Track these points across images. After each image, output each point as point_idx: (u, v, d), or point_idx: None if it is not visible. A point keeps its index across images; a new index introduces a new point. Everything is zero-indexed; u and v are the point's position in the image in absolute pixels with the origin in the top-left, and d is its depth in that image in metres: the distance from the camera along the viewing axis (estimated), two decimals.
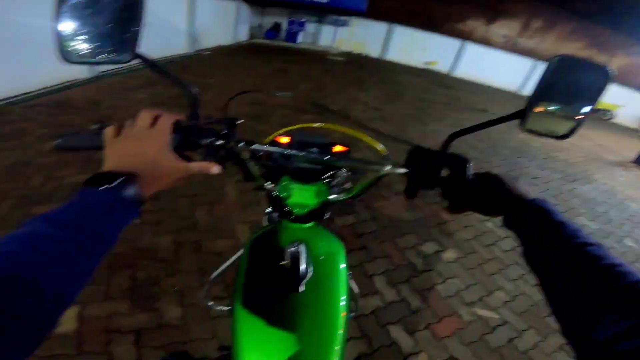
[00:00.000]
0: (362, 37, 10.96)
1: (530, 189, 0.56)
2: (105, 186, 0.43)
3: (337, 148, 0.90)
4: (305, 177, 0.83)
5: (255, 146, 0.68)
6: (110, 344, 1.46)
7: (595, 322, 0.36)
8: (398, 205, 2.85)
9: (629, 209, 4.14)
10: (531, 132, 0.55)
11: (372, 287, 2.00)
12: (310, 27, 10.69)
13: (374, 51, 11.20)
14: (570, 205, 3.79)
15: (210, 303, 1.11)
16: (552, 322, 2.02)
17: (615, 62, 12.97)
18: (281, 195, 0.79)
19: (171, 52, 6.10)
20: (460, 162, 0.60)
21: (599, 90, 0.50)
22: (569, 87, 0.51)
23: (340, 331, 0.69)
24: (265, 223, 1.21)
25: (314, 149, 0.84)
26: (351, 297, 1.05)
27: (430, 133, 5.01)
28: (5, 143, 2.74)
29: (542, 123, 0.54)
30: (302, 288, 0.70)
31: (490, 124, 0.57)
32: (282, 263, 0.71)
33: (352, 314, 1.07)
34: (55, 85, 4.04)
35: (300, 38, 10.24)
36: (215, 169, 0.58)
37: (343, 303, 0.73)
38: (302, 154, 0.72)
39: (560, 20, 12.38)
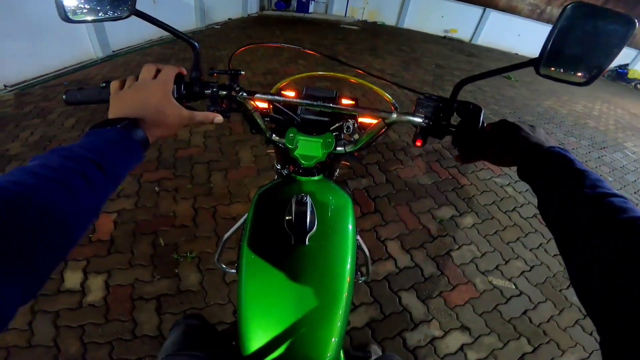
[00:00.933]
0: (376, 5, 10.40)
1: (550, 138, 0.52)
2: (109, 125, 0.45)
3: (344, 101, 0.88)
4: (312, 128, 0.81)
5: (258, 95, 0.67)
6: (134, 311, 1.54)
7: (618, 287, 0.32)
8: (414, 168, 2.80)
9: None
10: (548, 77, 0.51)
11: (385, 252, 2.00)
12: None
13: (389, 19, 10.64)
14: (598, 173, 3.59)
15: (224, 266, 1.14)
16: (570, 295, 1.98)
17: None
18: (288, 147, 0.78)
19: (182, 27, 6.06)
20: (472, 109, 0.57)
21: (621, 41, 0.46)
22: (587, 37, 0.47)
23: (345, 292, 0.68)
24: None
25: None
26: (361, 261, 1.06)
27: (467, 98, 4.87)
28: (29, 121, 2.85)
29: (558, 70, 0.51)
30: (307, 241, 0.69)
31: (503, 70, 0.53)
32: (288, 217, 0.70)
33: (363, 279, 1.07)
34: (72, 65, 4.14)
35: (311, 8, 9.83)
36: (217, 118, 0.60)
37: (349, 265, 0.71)
38: (306, 102, 0.70)
39: None
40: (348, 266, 0.71)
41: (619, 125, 5.57)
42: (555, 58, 0.49)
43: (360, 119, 0.85)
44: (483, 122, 0.57)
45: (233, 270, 1.21)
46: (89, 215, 0.38)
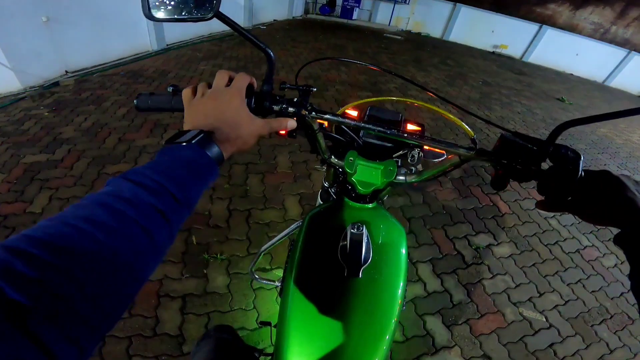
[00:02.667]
0: (422, 15, 10.20)
1: None
2: (185, 141, 0.43)
3: (410, 127, 0.84)
4: (374, 154, 0.78)
5: (328, 116, 0.63)
6: (158, 308, 1.55)
7: None
8: (453, 191, 2.69)
9: None
10: None
11: (415, 274, 1.94)
12: (367, 3, 10.16)
13: (435, 31, 10.38)
14: None
15: (257, 276, 1.12)
16: (600, 331, 1.85)
17: None
18: (346, 171, 0.75)
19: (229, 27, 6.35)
20: (569, 156, 0.51)
21: None
22: None
23: (394, 320, 0.65)
24: (319, 198, 1.16)
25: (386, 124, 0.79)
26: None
27: (497, 120, 4.59)
28: (85, 107, 3.04)
29: None
30: (361, 274, 0.66)
31: (617, 115, 0.46)
32: (342, 244, 0.67)
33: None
34: (129, 56, 4.39)
35: (355, 15, 9.83)
36: (291, 123, 0.56)
37: (400, 292, 0.69)
38: (375, 127, 0.65)
39: None
40: (399, 292, 0.68)
41: None
42: None
43: (427, 147, 0.79)
44: (582, 173, 0.50)
45: (266, 281, 1.19)
46: (162, 254, 0.34)
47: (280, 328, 0.65)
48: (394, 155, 0.80)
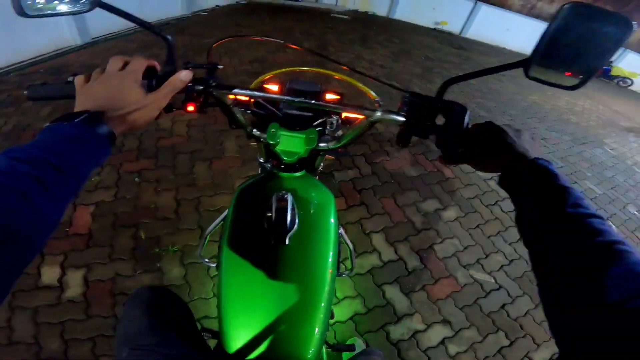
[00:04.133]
0: None
1: (535, 144, 0.51)
2: (69, 122, 0.41)
3: (329, 96, 0.86)
4: (295, 124, 0.80)
5: (236, 90, 0.65)
6: (115, 307, 1.51)
7: (583, 311, 0.32)
8: (401, 161, 2.81)
9: (637, 175, 4.03)
10: (536, 80, 0.50)
11: (369, 245, 2.01)
12: None
13: (381, 10, 10.49)
14: (577, 168, 3.70)
15: (207, 260, 1.13)
16: None
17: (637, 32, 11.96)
18: (269, 143, 0.76)
19: (166, 14, 5.86)
20: (456, 109, 0.55)
21: (616, 43, 0.44)
22: (581, 38, 0.45)
23: (326, 288, 0.68)
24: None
25: (305, 95, 0.80)
26: (345, 255, 1.05)
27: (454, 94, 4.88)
28: (3, 110, 2.72)
29: (549, 73, 0.49)
30: (288, 240, 0.68)
31: (491, 71, 0.51)
32: (268, 214, 0.69)
33: (347, 273, 1.07)
34: (49, 52, 3.95)
35: None
36: (183, 74, 0.55)
37: (330, 260, 0.71)
38: (287, 98, 0.68)
39: None
40: (330, 260, 0.71)
41: (600, 121, 5.72)
42: (547, 60, 0.48)
43: (344, 115, 0.84)
44: (467, 124, 0.55)
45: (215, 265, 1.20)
46: (49, 223, 0.34)
47: (219, 305, 0.67)
48: (314, 124, 0.82)
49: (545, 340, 1.76)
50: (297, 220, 0.71)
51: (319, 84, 0.88)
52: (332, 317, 0.91)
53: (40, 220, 0.33)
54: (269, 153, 0.86)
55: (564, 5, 0.44)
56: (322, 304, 0.66)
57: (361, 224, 2.12)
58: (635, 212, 3.27)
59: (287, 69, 0.99)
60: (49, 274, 1.59)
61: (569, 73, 0.48)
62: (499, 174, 0.51)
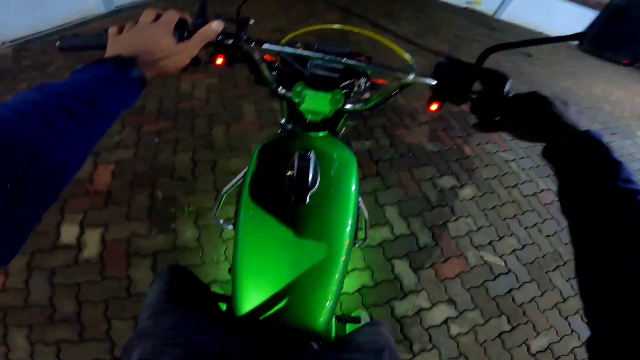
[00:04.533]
0: None
1: (582, 118, 0.48)
2: (102, 64, 0.43)
3: (360, 56, 0.85)
4: (321, 84, 0.78)
5: (266, 46, 0.64)
6: (130, 268, 1.55)
7: (628, 290, 0.30)
8: (420, 135, 2.75)
9: None
10: (592, 52, 0.52)
11: (382, 217, 2.01)
12: None
13: None
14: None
15: (222, 221, 1.13)
16: (554, 278, 2.00)
17: None
18: (294, 101, 0.75)
19: None
20: (497, 77, 0.54)
21: None
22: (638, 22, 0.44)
23: (342, 257, 0.67)
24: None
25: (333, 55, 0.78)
26: (360, 225, 1.04)
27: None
28: (28, 74, 2.77)
29: (605, 47, 0.49)
30: (308, 199, 0.67)
31: (540, 41, 0.49)
32: (290, 172, 0.68)
33: (359, 243, 1.06)
34: (74, 21, 3.97)
35: None
36: (216, 25, 0.57)
37: (349, 229, 0.69)
38: (317, 55, 0.67)
39: None
40: (348, 229, 0.69)
41: (634, 112, 5.39)
42: (604, 36, 0.47)
43: (373, 79, 0.83)
44: (508, 92, 0.53)
45: (231, 227, 1.20)
46: (77, 157, 0.34)
47: (234, 269, 0.65)
48: (341, 85, 0.81)
49: (546, 329, 1.75)
50: (318, 180, 0.70)
51: (348, 47, 0.86)
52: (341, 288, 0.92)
53: (68, 151, 0.33)
54: (293, 113, 0.85)
55: None
56: (337, 275, 0.65)
57: (376, 196, 2.11)
58: None
59: (318, 27, 0.95)
60: (69, 233, 1.64)
61: (624, 53, 0.47)
62: (541, 144, 0.49)
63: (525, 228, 2.24)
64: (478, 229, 2.15)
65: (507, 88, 0.54)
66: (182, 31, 0.54)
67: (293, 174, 0.67)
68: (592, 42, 0.47)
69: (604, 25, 0.46)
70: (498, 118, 0.54)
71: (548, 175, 2.79)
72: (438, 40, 5.78)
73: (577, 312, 1.84)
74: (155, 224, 1.69)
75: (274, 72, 0.80)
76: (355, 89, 0.81)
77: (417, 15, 7.26)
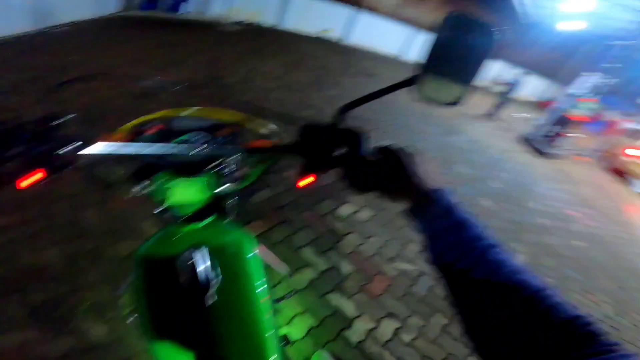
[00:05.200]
0: (257, 5, 10.35)
1: (434, 171, 0.51)
2: None
3: (224, 130, 0.71)
4: (189, 168, 0.64)
5: (90, 149, 0.48)
6: None
7: (494, 340, 0.35)
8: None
9: (490, 154, 5.25)
10: (426, 99, 0.51)
11: (302, 260, 2.10)
12: None
13: (270, 19, 10.78)
14: (449, 155, 4.60)
15: (132, 319, 1.02)
16: None
17: None
18: (160, 197, 0.64)
19: (10, 30, 4.82)
20: (354, 135, 0.52)
21: (485, 53, 0.46)
22: (460, 50, 0.47)
23: (266, 316, 0.65)
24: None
25: (193, 135, 0.67)
26: (278, 277, 1.00)
27: (331, 99, 5.31)
28: None
29: (435, 89, 0.51)
30: (210, 300, 0.60)
31: (384, 92, 0.52)
32: (182, 278, 0.61)
33: (288, 295, 1.03)
34: None
35: (185, 8, 9.14)
36: None
37: (260, 289, 0.67)
38: (164, 150, 0.55)
39: None
40: (259, 290, 0.67)
41: (455, 113, 7.07)
42: (434, 73, 0.49)
43: (251, 144, 0.70)
44: (367, 150, 0.52)
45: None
46: None
47: None
48: (211, 165, 0.66)
49: None
50: (216, 276, 0.63)
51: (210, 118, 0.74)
52: (288, 342, 0.90)
53: None
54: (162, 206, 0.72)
55: (443, 18, 0.46)
56: (267, 335, 0.64)
57: (289, 241, 2.18)
58: (500, 185, 4.26)
59: (161, 113, 0.74)
60: None
61: (456, 85, 0.50)
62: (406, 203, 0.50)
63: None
64: (385, 244, 2.44)
65: (365, 146, 0.52)
66: None
67: (184, 280, 0.60)
68: (425, 83, 0.49)
69: (430, 63, 0.48)
70: (366, 179, 0.52)
71: None
72: (303, 73, 6.39)
73: None
74: (47, 328, 1.43)
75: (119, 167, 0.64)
76: (229, 167, 0.67)
77: (281, 50, 7.91)
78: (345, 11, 11.91)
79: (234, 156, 0.68)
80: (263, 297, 0.67)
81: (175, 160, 0.65)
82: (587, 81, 7.57)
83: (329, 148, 0.53)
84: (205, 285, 0.60)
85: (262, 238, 2.09)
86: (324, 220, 2.48)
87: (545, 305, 0.33)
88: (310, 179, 0.57)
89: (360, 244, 2.38)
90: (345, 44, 12.11)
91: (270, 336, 0.64)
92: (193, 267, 0.60)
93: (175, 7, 8.82)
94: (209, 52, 6.13)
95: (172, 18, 8.49)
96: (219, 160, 0.66)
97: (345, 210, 2.64)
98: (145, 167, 0.64)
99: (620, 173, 8.44)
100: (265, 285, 0.70)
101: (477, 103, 9.02)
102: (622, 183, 8.15)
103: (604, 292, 3.19)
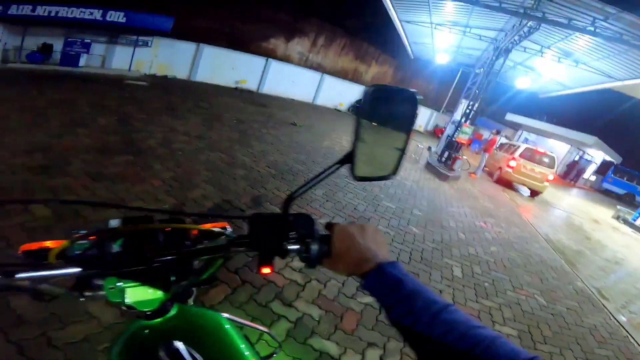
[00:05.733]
0: (167, 58, 9.97)
1: (380, 243, 0.54)
2: None
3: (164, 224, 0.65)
4: (140, 274, 0.59)
5: (22, 275, 0.44)
6: None
7: None
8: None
9: (408, 186, 6.00)
10: (362, 179, 0.54)
11: (273, 314, 2.12)
12: (98, 47, 8.74)
13: (181, 73, 10.51)
14: (374, 194, 5.04)
15: None
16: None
17: (371, 71, 17.60)
18: (114, 302, 0.59)
19: None
20: (304, 219, 0.57)
21: (412, 117, 0.50)
22: (387, 117, 0.50)
23: None
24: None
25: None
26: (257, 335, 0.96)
27: (259, 154, 5.28)
28: None
29: (370, 163, 0.53)
30: None
31: (322, 176, 0.57)
32: None
33: (276, 352, 0.98)
34: None
35: (83, 61, 8.43)
36: None
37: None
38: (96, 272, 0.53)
39: (336, 37, 15.73)
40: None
41: None
42: (365, 147, 0.52)
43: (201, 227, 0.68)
44: (317, 231, 0.56)
45: None
46: None
47: None
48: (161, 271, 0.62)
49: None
50: None
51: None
52: None
53: None
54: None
55: (366, 89, 0.49)
56: None
57: (255, 300, 2.17)
58: (419, 213, 4.83)
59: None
60: None
61: (386, 158, 0.54)
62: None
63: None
64: (344, 285, 2.54)
65: (317, 229, 0.56)
66: None
67: None
68: (358, 161, 0.52)
69: (359, 137, 0.51)
70: (313, 257, 0.55)
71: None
72: (227, 128, 6.37)
73: None
74: None
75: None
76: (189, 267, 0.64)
77: (198, 105, 7.73)
78: (260, 61, 12.47)
79: (194, 260, 0.65)
80: None
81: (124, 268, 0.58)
82: (463, 108, 9.34)
83: (283, 234, 0.56)
84: None
85: (228, 302, 2.06)
86: (283, 274, 2.52)
87: (505, 350, 0.38)
88: (267, 270, 0.58)
89: (322, 288, 2.49)
90: (262, 93, 12.59)
91: None
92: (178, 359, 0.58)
93: (74, 60, 8.11)
94: (116, 110, 5.64)
95: (68, 72, 7.74)
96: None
97: (298, 262, 2.72)
98: (88, 277, 0.57)
99: (507, 183, 10.28)
100: (251, 352, 0.70)
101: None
102: (510, 191, 9.91)
103: (530, 286, 3.77)
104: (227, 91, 10.71)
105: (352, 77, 16.26)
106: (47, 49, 7.75)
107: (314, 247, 0.55)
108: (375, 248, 0.52)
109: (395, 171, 0.55)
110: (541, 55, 10.40)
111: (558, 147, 18.36)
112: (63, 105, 5.32)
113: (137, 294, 0.61)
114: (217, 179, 3.90)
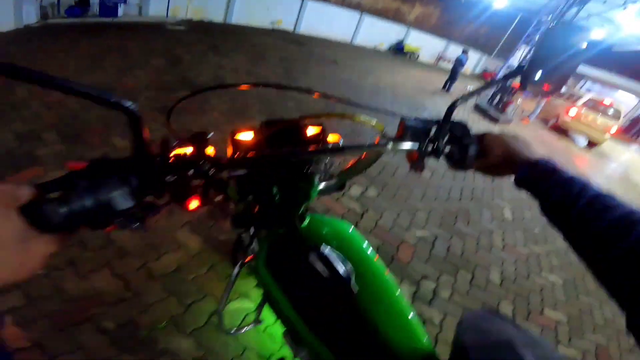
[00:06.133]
0: (202, 1, 9.64)
1: (533, 148, 0.57)
2: None
3: (311, 130, 0.72)
4: (290, 175, 0.69)
5: (240, 171, 0.57)
6: None
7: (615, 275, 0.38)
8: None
9: None
10: (529, 83, 0.59)
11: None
12: None
13: (216, 16, 10.15)
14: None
15: (233, 331, 1.02)
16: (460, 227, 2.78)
17: (414, 11, 16.02)
18: (274, 204, 0.69)
19: None
20: (461, 129, 0.60)
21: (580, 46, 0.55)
22: (562, 49, 0.54)
23: (400, 294, 0.70)
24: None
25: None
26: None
27: (310, 87, 5.36)
28: None
29: (540, 76, 0.58)
30: (355, 289, 0.64)
31: (489, 85, 0.63)
32: (326, 275, 0.64)
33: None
34: None
35: (121, 11, 8.34)
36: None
37: (383, 269, 0.73)
38: (293, 154, 0.63)
39: None
40: (391, 281, 0.73)
41: (416, 90, 7.58)
42: (537, 68, 0.57)
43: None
44: (472, 137, 0.60)
45: (246, 327, 1.03)
46: None
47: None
48: (304, 171, 0.69)
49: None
50: (348, 264, 0.66)
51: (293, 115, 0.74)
52: None
53: None
54: (274, 212, 0.74)
55: (548, 27, 0.63)
56: (411, 315, 0.68)
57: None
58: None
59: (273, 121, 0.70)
60: None
61: (551, 80, 0.59)
62: (509, 176, 0.58)
63: (422, 199, 2.95)
64: (397, 216, 2.67)
65: (472, 135, 0.59)
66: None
67: (324, 275, 0.63)
68: (531, 76, 0.56)
69: (532, 64, 0.55)
70: (468, 159, 0.59)
71: None
72: (270, 66, 6.30)
73: None
74: (137, 354, 1.31)
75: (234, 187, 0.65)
76: (325, 167, 0.72)
77: (240, 45, 7.61)
78: (295, 1, 11.75)
79: (327, 161, 0.73)
80: (389, 275, 0.73)
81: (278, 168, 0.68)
82: (523, 54, 8.42)
83: (438, 137, 0.60)
84: (347, 276, 0.64)
85: None
86: (340, 201, 2.59)
87: None
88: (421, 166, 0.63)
89: (377, 220, 2.54)
90: (299, 33, 12.03)
91: (414, 317, 0.68)
92: (328, 261, 0.64)
93: (112, 11, 8.04)
94: (164, 54, 5.72)
95: (108, 22, 7.73)
96: (307, 166, 0.70)
97: (354, 190, 2.78)
98: (250, 180, 0.67)
99: (563, 131, 9.50)
100: (372, 252, 0.75)
101: (432, 80, 9.62)
102: (565, 140, 9.16)
103: None
104: (264, 32, 10.31)
105: (393, 16, 14.90)
106: (84, 2, 7.66)
107: (471, 149, 0.58)
108: (526, 149, 0.56)
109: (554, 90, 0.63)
110: (624, 8, 8.72)
111: (625, 99, 16.23)
112: (114, 52, 5.45)
113: (289, 199, 0.68)
114: (271, 109, 4.07)
